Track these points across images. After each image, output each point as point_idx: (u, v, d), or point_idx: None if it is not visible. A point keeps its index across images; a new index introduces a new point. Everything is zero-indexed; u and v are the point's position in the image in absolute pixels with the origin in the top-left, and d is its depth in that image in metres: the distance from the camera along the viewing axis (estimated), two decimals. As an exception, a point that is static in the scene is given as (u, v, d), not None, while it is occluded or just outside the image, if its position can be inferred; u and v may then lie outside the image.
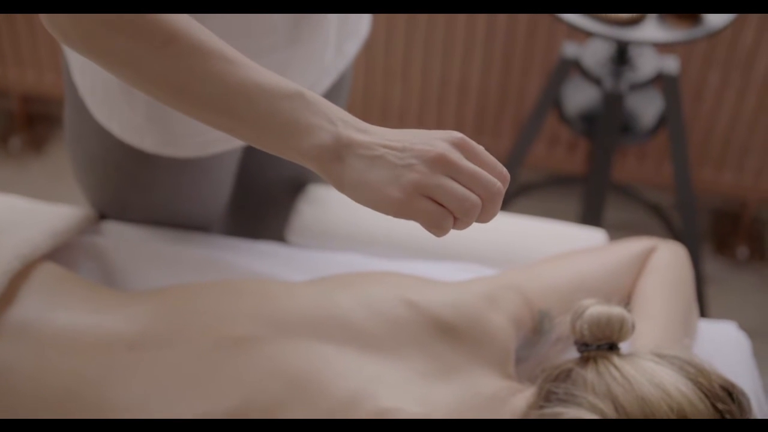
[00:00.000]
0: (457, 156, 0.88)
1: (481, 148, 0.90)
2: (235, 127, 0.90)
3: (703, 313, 2.21)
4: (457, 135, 0.89)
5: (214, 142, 1.29)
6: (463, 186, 0.87)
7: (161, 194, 1.36)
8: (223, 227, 1.57)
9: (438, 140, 0.89)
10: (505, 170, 0.90)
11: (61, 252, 1.35)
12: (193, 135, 1.27)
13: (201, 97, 0.88)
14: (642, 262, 1.29)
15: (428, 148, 0.88)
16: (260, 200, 1.56)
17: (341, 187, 0.88)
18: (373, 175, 0.87)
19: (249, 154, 1.46)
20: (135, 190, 1.36)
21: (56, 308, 1.18)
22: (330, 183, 0.89)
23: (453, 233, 1.47)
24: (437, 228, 0.87)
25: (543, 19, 2.30)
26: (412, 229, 1.49)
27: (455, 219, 0.88)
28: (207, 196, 1.40)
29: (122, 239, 1.39)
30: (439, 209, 0.87)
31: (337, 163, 0.88)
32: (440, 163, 0.87)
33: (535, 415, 1.07)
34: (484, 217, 0.90)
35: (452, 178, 0.87)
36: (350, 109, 2.46)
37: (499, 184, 0.89)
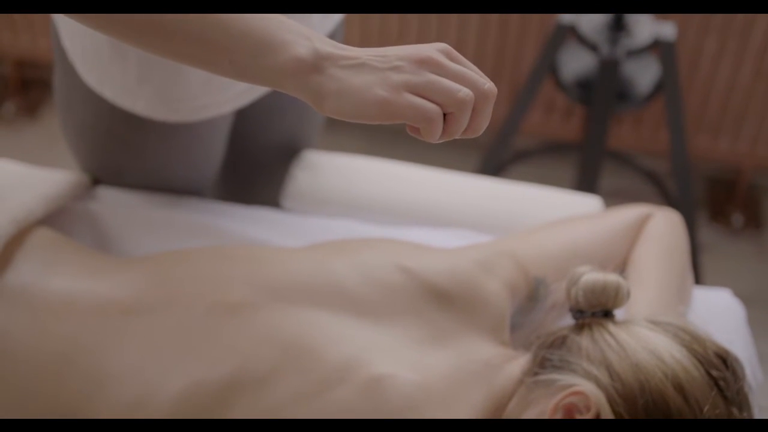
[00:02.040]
0: (444, 58, 0.87)
1: (467, 61, 0.89)
2: (207, 55, 0.87)
3: (698, 280, 2.21)
4: (442, 44, 0.89)
5: (206, 107, 1.28)
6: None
7: (153, 159, 1.36)
8: (216, 193, 1.57)
9: (423, 46, 0.88)
10: (491, 83, 0.89)
11: (55, 217, 1.34)
12: (185, 100, 1.26)
13: (171, 27, 0.85)
14: (637, 229, 1.29)
15: (414, 51, 0.86)
16: (252, 166, 1.55)
17: (321, 100, 0.85)
18: (357, 80, 0.85)
19: (241, 119, 1.45)
20: (127, 155, 1.36)
21: (51, 273, 1.18)
22: (309, 99, 0.86)
23: (448, 200, 1.48)
24: (427, 121, 0.85)
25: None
26: (407, 195, 1.49)
27: (446, 118, 0.86)
28: (199, 160, 1.40)
29: (116, 205, 1.39)
30: (429, 103, 0.85)
31: (317, 74, 0.85)
32: (427, 63, 0.86)
33: (529, 381, 1.07)
34: (475, 122, 0.88)
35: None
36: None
37: (489, 83, 0.88)
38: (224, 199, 1.56)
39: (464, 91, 0.86)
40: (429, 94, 0.85)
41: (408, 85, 0.85)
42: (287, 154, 1.55)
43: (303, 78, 0.85)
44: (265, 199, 1.56)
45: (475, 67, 0.89)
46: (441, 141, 0.87)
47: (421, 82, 0.85)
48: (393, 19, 2.40)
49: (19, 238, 1.22)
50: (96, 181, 1.42)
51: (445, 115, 0.86)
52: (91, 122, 1.33)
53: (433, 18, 2.39)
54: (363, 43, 2.45)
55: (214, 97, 1.27)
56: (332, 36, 1.39)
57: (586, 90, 2.11)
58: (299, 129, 1.53)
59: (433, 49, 0.87)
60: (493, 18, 2.37)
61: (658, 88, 2.10)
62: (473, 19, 2.37)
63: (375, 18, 2.41)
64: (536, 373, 1.07)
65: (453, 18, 2.38)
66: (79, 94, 1.30)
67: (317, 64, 0.85)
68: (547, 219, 1.37)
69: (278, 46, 0.85)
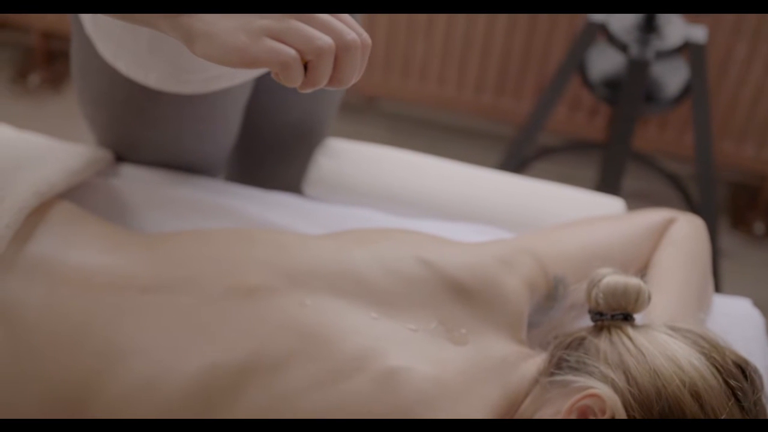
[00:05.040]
0: None
1: (346, 15, 0.89)
2: None
3: (717, 287, 2.20)
4: None
5: (218, 78, 1.28)
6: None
7: (169, 130, 1.36)
8: (229, 172, 1.56)
9: None
10: (366, 34, 0.88)
11: (76, 191, 1.34)
12: (197, 71, 1.26)
13: None
14: (660, 233, 1.28)
15: None
16: (265, 146, 1.55)
17: (192, 42, 0.87)
18: (223, 24, 0.86)
19: (256, 95, 1.45)
20: (142, 126, 1.36)
21: (70, 247, 1.18)
22: (181, 40, 0.87)
23: (469, 194, 1.47)
24: (283, 66, 0.85)
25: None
26: (428, 187, 1.49)
27: (307, 67, 0.86)
28: (215, 133, 1.39)
29: (137, 181, 1.39)
30: (285, 47, 0.85)
31: (187, 15, 0.86)
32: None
33: (545, 381, 1.06)
34: (340, 72, 0.88)
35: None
36: (371, 62, 2.42)
37: (354, 35, 0.87)
38: (237, 179, 1.56)
39: (323, 39, 0.86)
40: (288, 39, 0.85)
41: (268, 30, 0.85)
42: (301, 135, 1.54)
43: (174, 18, 0.87)
44: (277, 181, 1.55)
45: (351, 20, 0.89)
46: (307, 90, 0.88)
47: (281, 28, 0.85)
48: (420, 15, 2.39)
49: (40, 210, 1.21)
50: (118, 157, 1.42)
51: (307, 64, 0.86)
52: (108, 92, 1.32)
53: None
54: (389, 39, 2.44)
55: (225, 67, 1.27)
56: None
57: (613, 90, 2.10)
58: (314, 109, 1.52)
59: None
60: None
61: (686, 90, 2.09)
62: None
63: (402, 15, 2.40)
64: (552, 374, 1.06)
65: (482, 11, 2.37)
66: (95, 65, 1.30)
67: None
68: (569, 218, 1.36)
69: None
